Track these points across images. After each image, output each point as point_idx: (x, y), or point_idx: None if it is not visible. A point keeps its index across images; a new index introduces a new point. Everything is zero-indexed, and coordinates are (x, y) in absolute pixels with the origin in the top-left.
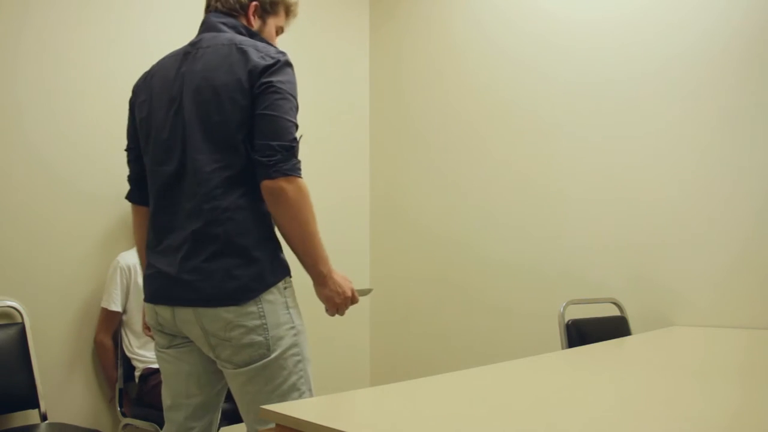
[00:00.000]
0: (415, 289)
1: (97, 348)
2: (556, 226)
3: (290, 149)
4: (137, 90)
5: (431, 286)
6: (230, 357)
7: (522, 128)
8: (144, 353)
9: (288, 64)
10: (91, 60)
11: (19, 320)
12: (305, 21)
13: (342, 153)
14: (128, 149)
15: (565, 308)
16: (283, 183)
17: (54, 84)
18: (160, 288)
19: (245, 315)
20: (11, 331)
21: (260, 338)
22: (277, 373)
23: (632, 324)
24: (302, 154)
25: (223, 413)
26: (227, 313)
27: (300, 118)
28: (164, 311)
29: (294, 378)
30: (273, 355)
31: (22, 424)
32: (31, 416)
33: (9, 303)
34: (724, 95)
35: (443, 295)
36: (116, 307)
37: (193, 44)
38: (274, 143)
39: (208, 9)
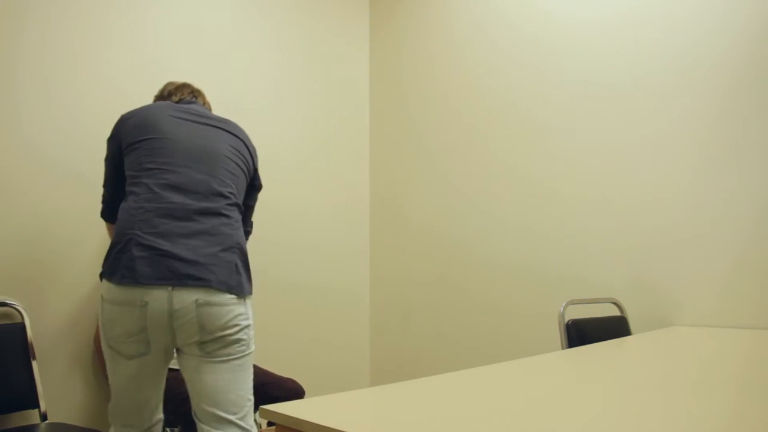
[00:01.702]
0: (415, 289)
1: (97, 348)
2: (556, 226)
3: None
4: (131, 128)
5: (431, 286)
6: (216, 351)
7: (522, 128)
8: None
9: None
10: (91, 60)
11: (19, 320)
12: (305, 21)
13: (342, 153)
14: (111, 182)
15: (565, 308)
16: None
17: (54, 83)
18: (162, 267)
19: (240, 315)
20: (11, 331)
21: (246, 336)
22: (248, 366)
23: (632, 324)
24: (302, 155)
25: None
26: (232, 303)
27: (300, 119)
28: (157, 293)
29: (252, 370)
30: (250, 351)
31: (22, 424)
32: (31, 416)
33: (9, 303)
34: (724, 95)
35: (443, 295)
36: None
37: (201, 112)
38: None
39: (180, 101)
